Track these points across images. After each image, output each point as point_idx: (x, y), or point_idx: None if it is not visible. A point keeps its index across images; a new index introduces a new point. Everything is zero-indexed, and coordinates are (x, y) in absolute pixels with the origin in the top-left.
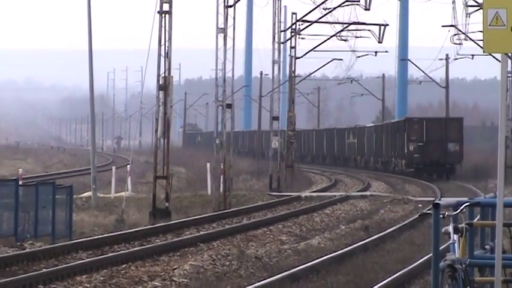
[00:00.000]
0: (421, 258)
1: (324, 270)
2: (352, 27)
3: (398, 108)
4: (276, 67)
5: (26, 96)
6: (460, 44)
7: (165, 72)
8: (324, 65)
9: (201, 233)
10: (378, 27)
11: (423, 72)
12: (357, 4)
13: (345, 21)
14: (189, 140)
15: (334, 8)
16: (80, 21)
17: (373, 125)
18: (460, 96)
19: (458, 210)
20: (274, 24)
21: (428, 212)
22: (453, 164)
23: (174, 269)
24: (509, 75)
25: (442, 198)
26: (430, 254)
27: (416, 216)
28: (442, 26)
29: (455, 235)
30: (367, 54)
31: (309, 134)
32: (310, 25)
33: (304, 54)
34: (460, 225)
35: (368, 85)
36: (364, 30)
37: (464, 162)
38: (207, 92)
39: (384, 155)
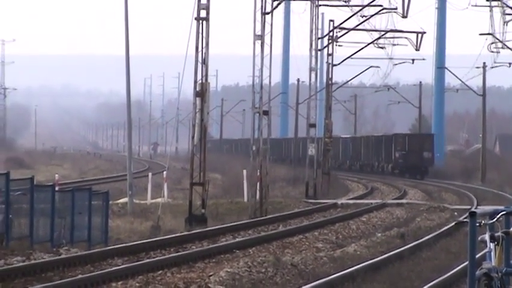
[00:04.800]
0: (457, 266)
1: (360, 278)
2: (389, 34)
3: (435, 116)
4: (313, 74)
5: (62, 101)
6: (497, 52)
7: (202, 79)
8: (361, 73)
9: (237, 239)
10: (415, 34)
11: (460, 80)
12: (395, 12)
13: (382, 29)
14: None
15: (372, 16)
16: (117, 27)
17: (349, 136)
18: (497, 104)
19: (495, 219)
20: (311, 31)
21: (465, 220)
22: (427, 167)
23: (210, 275)
24: None
25: (479, 207)
26: (466, 263)
27: (453, 224)
28: (480, 34)
29: (491, 243)
30: (404, 62)
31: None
32: (347, 32)
33: (341, 62)
34: (496, 234)
35: (405, 93)
36: (402, 37)
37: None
38: (244, 98)
39: (362, 159)
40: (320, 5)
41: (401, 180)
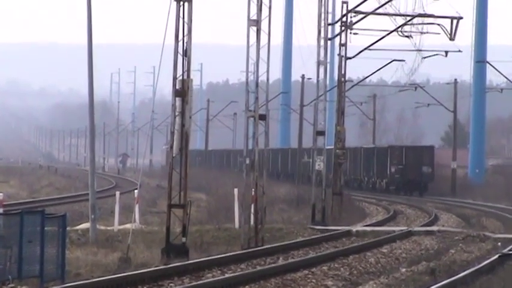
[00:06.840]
0: None
1: None
2: (417, 20)
3: (474, 122)
4: (321, 69)
5: (8, 102)
6: None
7: (183, 75)
8: (381, 68)
9: (226, 275)
10: (449, 20)
11: (505, 77)
12: None
13: (408, 13)
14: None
15: None
16: (78, 11)
17: (331, 147)
18: None
19: None
20: (319, 15)
21: (511, 252)
22: (426, 183)
23: None
24: None
25: None
26: None
27: (496, 257)
28: None
29: None
30: (435, 55)
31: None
32: (365, 17)
33: (357, 54)
34: None
35: (436, 93)
36: (433, 24)
37: None
38: (235, 99)
39: (348, 174)
40: None
41: (430, 202)
